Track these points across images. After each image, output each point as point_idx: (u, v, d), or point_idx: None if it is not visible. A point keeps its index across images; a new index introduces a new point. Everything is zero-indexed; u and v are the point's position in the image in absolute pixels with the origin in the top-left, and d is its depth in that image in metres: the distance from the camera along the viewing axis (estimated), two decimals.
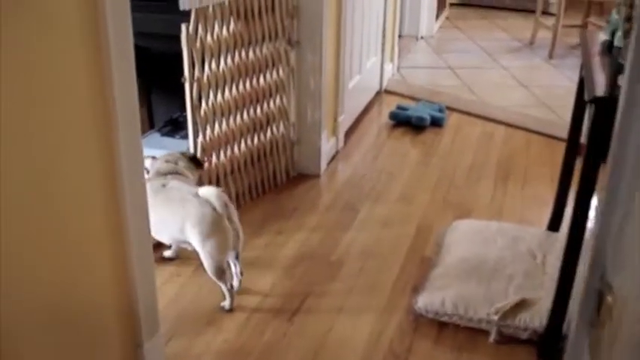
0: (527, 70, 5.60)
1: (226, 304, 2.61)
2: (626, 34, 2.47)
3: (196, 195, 2.54)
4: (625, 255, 1.58)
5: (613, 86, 2.13)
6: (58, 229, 1.74)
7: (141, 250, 2.06)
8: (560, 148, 4.03)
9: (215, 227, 2.51)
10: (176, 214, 2.56)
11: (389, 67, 5.09)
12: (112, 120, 1.86)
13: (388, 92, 4.96)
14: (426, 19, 6.34)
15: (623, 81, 1.90)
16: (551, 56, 5.84)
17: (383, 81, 4.96)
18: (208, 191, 2.53)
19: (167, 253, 2.90)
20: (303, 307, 2.64)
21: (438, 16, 6.67)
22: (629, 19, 2.40)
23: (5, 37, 1.46)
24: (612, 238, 1.66)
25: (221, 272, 2.57)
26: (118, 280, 2.02)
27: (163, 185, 2.63)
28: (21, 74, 1.54)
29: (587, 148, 2.13)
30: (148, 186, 2.17)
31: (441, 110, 4.51)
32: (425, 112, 4.39)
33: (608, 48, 2.54)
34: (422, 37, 6.31)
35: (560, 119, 4.49)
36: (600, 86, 2.14)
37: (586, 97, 2.17)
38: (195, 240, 2.54)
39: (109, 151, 1.88)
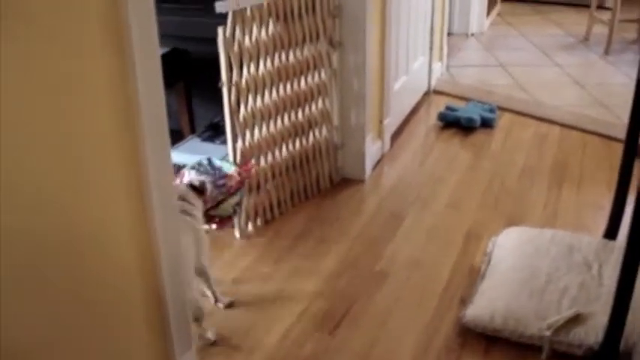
0: (582, 68, 5.39)
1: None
2: None
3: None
4: None
5: None
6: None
7: (171, 256, 1.98)
8: (618, 150, 3.85)
9: None
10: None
11: (437, 67, 4.94)
12: (137, 128, 1.78)
13: (437, 92, 4.81)
14: (477, 15, 6.16)
15: None
16: (607, 52, 5.61)
17: (431, 81, 4.82)
18: None
19: None
20: (346, 320, 2.54)
21: (489, 13, 6.49)
22: None
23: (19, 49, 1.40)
24: None
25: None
26: (149, 289, 1.95)
27: None
28: (45, 87, 1.47)
29: None
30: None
31: (491, 110, 4.35)
32: (475, 113, 4.24)
33: None
34: (472, 35, 6.14)
35: (618, 119, 4.30)
36: None
37: None
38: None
39: (135, 161, 1.80)
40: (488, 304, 2.49)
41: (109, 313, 1.82)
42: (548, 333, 2.35)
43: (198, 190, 2.58)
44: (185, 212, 2.44)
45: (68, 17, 1.53)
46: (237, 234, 3.05)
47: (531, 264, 2.68)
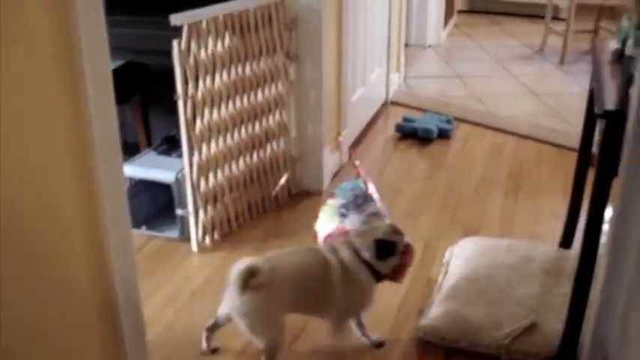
0: (537, 78, 5.47)
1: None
2: (638, 43, 2.35)
3: None
4: (634, 341, 1.45)
5: (624, 99, 2.00)
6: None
7: (125, 272, 1.95)
8: (573, 159, 3.90)
9: None
10: None
11: (395, 78, 4.97)
12: (89, 142, 1.75)
13: (394, 104, 4.83)
14: (434, 27, 6.20)
15: (633, 92, 1.78)
16: (562, 63, 5.69)
17: (389, 92, 4.83)
18: None
19: None
20: (304, 335, 2.52)
21: (445, 24, 6.54)
22: None
23: None
24: (618, 315, 1.53)
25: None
26: (102, 305, 1.92)
27: None
28: None
29: (598, 162, 2.01)
30: None
31: (448, 121, 4.38)
32: (432, 124, 4.26)
33: (619, 57, 2.41)
34: (429, 46, 6.18)
35: (573, 129, 4.34)
36: (611, 98, 2.01)
37: (596, 111, 2.04)
38: None
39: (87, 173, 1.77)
40: (445, 315, 2.50)
41: (60, 328, 1.78)
42: (505, 342, 2.37)
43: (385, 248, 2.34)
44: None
45: (17, 31, 1.50)
46: (194, 247, 3.02)
47: (488, 274, 2.69)
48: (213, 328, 2.39)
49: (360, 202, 2.70)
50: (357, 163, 3.03)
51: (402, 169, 3.89)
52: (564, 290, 2.52)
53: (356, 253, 2.31)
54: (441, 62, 5.87)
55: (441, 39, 6.35)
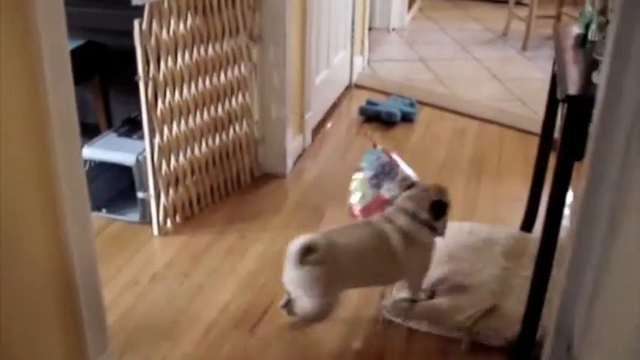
0: (500, 62, 5.49)
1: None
2: (601, 28, 2.36)
3: None
4: (598, 329, 1.44)
5: (587, 83, 2.01)
6: None
7: (84, 256, 1.91)
8: (535, 144, 3.94)
9: None
10: None
11: (359, 61, 4.95)
12: (48, 125, 1.71)
13: (358, 87, 4.82)
14: (398, 10, 6.19)
15: (599, 78, 1.79)
16: (524, 48, 5.73)
17: (353, 75, 4.82)
18: None
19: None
20: (266, 318, 2.51)
21: (409, 8, 6.54)
22: (603, 11, 2.29)
23: None
24: (583, 302, 1.52)
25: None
26: (61, 288, 1.88)
27: None
28: None
29: (560, 146, 2.02)
30: None
31: (412, 105, 4.39)
32: (395, 107, 4.26)
33: (582, 42, 2.43)
34: (393, 29, 6.17)
35: (535, 114, 4.38)
36: (573, 83, 2.02)
37: (559, 96, 2.05)
38: None
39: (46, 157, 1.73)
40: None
41: (19, 312, 1.74)
42: (467, 324, 2.39)
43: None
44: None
45: None
46: (155, 231, 2.98)
47: (450, 256, 2.71)
48: (288, 304, 2.39)
49: (387, 169, 2.78)
50: (369, 133, 3.06)
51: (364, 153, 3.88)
52: (526, 273, 2.55)
53: (413, 216, 2.38)
54: (404, 46, 5.87)
55: (405, 22, 6.35)
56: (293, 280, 2.25)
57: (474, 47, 5.82)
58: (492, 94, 4.80)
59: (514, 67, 5.45)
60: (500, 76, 5.13)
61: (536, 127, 4.09)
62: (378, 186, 2.71)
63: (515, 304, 2.43)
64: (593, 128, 1.73)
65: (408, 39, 6.04)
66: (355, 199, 2.81)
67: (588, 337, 1.63)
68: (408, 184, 2.59)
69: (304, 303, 2.28)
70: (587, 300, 1.69)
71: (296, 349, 2.37)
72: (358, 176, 2.80)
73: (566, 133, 1.98)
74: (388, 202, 2.64)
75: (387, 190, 2.70)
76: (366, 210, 2.73)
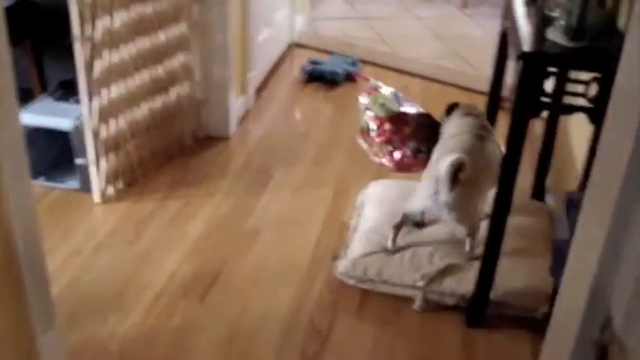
0: (441, 20, 5.46)
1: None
2: None
3: None
4: None
5: (541, 40, 1.99)
6: None
7: (26, 225, 1.81)
8: (478, 101, 3.94)
9: None
10: None
11: (300, 19, 4.85)
12: None
13: (300, 46, 4.72)
14: None
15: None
16: (465, 5, 5.71)
17: (294, 34, 4.72)
18: None
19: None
20: (216, 285, 2.45)
21: None
22: None
23: None
24: (624, 278, 1.30)
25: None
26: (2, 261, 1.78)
27: None
28: None
29: (515, 104, 1.99)
30: None
31: (354, 64, 4.32)
32: (338, 67, 4.20)
33: None
34: None
35: (477, 71, 4.39)
36: (528, 40, 1.99)
37: (514, 53, 2.01)
38: None
39: None
40: (361, 258, 2.47)
41: None
42: (421, 283, 2.37)
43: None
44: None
45: None
46: (96, 198, 2.87)
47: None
48: (400, 226, 2.47)
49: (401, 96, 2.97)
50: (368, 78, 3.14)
51: (309, 113, 3.82)
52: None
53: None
54: (345, 4, 5.77)
55: None
56: (445, 203, 2.29)
57: (416, 5, 5.75)
58: (434, 52, 4.77)
59: (455, 24, 5.42)
60: (441, 34, 5.11)
61: (479, 84, 4.12)
62: (399, 102, 2.86)
63: (470, 263, 2.43)
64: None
65: None
66: (379, 111, 2.88)
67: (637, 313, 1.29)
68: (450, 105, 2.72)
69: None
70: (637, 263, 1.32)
71: (248, 315, 2.32)
72: (375, 94, 2.83)
73: (521, 90, 1.95)
74: (408, 118, 2.83)
75: (410, 106, 2.86)
76: (394, 120, 2.85)
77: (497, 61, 2.77)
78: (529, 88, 1.94)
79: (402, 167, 2.86)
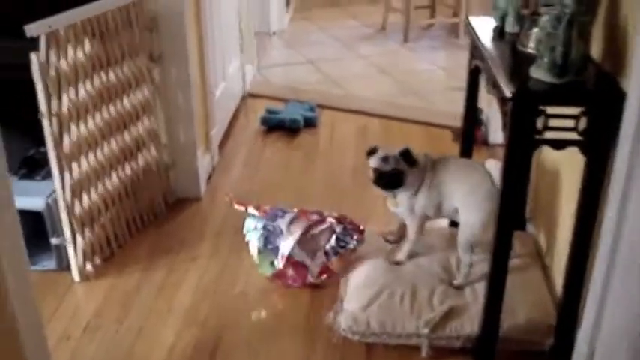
0: (385, 57, 5.52)
1: (459, 281, 2.53)
2: (518, 19, 2.37)
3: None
4: None
5: (525, 79, 2.00)
6: None
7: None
8: (441, 136, 4.00)
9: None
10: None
11: (249, 69, 4.83)
12: None
13: (253, 95, 4.70)
14: (276, 12, 6.08)
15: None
16: (406, 40, 5.79)
17: (246, 84, 4.69)
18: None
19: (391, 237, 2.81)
20: (218, 353, 2.37)
21: (287, 9, 6.47)
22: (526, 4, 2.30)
23: None
24: None
25: (471, 248, 2.48)
26: None
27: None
28: None
29: (509, 144, 1.99)
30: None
31: (312, 109, 4.32)
32: (297, 114, 4.18)
33: (499, 34, 2.44)
34: (274, 33, 6.07)
35: (433, 105, 4.45)
36: (510, 80, 1.99)
37: (505, 94, 2.00)
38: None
39: None
40: (361, 310, 2.43)
41: None
42: (425, 330, 2.34)
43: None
44: None
45: None
46: (76, 277, 2.76)
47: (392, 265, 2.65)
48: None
49: (271, 228, 2.70)
50: (230, 196, 3.03)
51: (276, 165, 3.78)
52: (473, 269, 2.53)
53: None
54: (288, 49, 5.80)
55: (284, 24, 6.27)
56: (493, 197, 2.32)
57: (357, 44, 5.83)
58: (385, 89, 4.82)
59: (400, 60, 5.49)
60: (388, 71, 5.16)
61: (438, 118, 4.19)
62: (276, 249, 2.65)
63: (471, 302, 2.41)
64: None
65: (290, 41, 5.97)
66: (268, 271, 2.69)
67: None
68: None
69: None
70: None
71: None
72: (254, 251, 2.70)
73: (514, 130, 1.96)
74: (290, 258, 2.63)
75: (285, 247, 2.64)
76: (280, 273, 2.66)
77: (468, 98, 2.79)
78: (522, 128, 1.95)
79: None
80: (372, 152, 2.61)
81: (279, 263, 2.64)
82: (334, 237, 2.67)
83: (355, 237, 2.70)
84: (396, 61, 5.45)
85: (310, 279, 2.66)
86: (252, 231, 2.73)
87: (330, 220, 2.72)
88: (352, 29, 6.28)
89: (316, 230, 2.69)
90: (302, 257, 2.64)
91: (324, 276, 2.68)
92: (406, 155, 2.55)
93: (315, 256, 2.66)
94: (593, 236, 2.05)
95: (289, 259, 2.63)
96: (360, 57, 5.51)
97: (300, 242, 2.65)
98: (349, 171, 3.64)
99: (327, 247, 2.66)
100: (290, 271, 2.65)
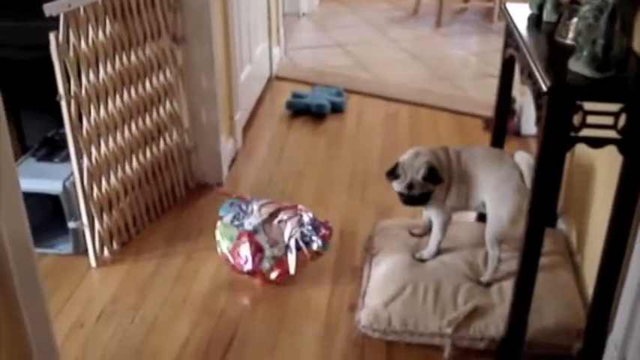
0: (417, 42, 5.39)
1: (486, 277, 2.44)
2: (557, 8, 2.26)
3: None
4: None
5: (563, 72, 1.89)
6: None
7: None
8: (471, 124, 3.88)
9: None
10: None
11: (277, 51, 4.74)
12: None
13: (279, 78, 4.61)
14: None
15: None
16: (438, 25, 5.66)
17: (273, 67, 4.60)
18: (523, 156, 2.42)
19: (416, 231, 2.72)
20: (232, 348, 2.30)
21: None
22: None
23: None
24: None
25: (499, 242, 2.40)
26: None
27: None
28: None
29: (543, 140, 1.89)
30: None
31: (339, 94, 4.22)
32: (323, 99, 4.09)
33: (536, 23, 2.32)
34: (304, 14, 5.97)
35: (463, 92, 4.33)
36: (547, 73, 1.88)
37: (532, 85, 1.91)
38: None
39: None
40: (382, 308, 2.34)
41: None
42: (448, 330, 2.26)
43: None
44: None
45: None
46: (92, 262, 2.70)
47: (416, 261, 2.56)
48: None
49: (244, 207, 2.66)
50: (220, 190, 3.02)
51: (300, 150, 3.69)
52: (502, 267, 2.44)
53: None
54: (317, 31, 5.69)
55: (315, 6, 6.16)
56: (522, 190, 2.31)
57: (388, 28, 5.70)
58: (416, 75, 4.69)
59: (432, 45, 5.36)
60: (419, 56, 5.04)
61: (468, 106, 4.06)
62: (241, 225, 2.58)
63: (497, 303, 2.32)
64: None
65: (320, 24, 5.86)
66: (225, 247, 2.61)
67: None
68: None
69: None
70: None
71: None
72: (220, 224, 2.63)
73: (549, 126, 1.85)
74: (250, 234, 2.56)
75: (249, 224, 2.58)
76: (235, 249, 2.58)
77: (501, 87, 2.68)
78: (557, 124, 1.84)
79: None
80: (392, 172, 2.47)
81: (237, 235, 2.58)
82: (299, 232, 2.57)
83: (321, 233, 2.58)
84: (428, 46, 5.31)
85: (263, 268, 2.54)
86: (226, 209, 2.68)
87: (302, 212, 2.64)
88: (384, 12, 6.15)
89: (285, 216, 2.60)
90: (262, 241, 2.55)
91: (277, 273, 2.55)
92: (431, 176, 2.42)
93: (274, 246, 2.56)
94: (629, 237, 1.95)
95: (250, 235, 2.55)
96: (391, 41, 5.39)
97: (266, 224, 2.57)
98: (376, 157, 3.55)
99: (291, 242, 2.56)
100: (244, 250, 2.54)
